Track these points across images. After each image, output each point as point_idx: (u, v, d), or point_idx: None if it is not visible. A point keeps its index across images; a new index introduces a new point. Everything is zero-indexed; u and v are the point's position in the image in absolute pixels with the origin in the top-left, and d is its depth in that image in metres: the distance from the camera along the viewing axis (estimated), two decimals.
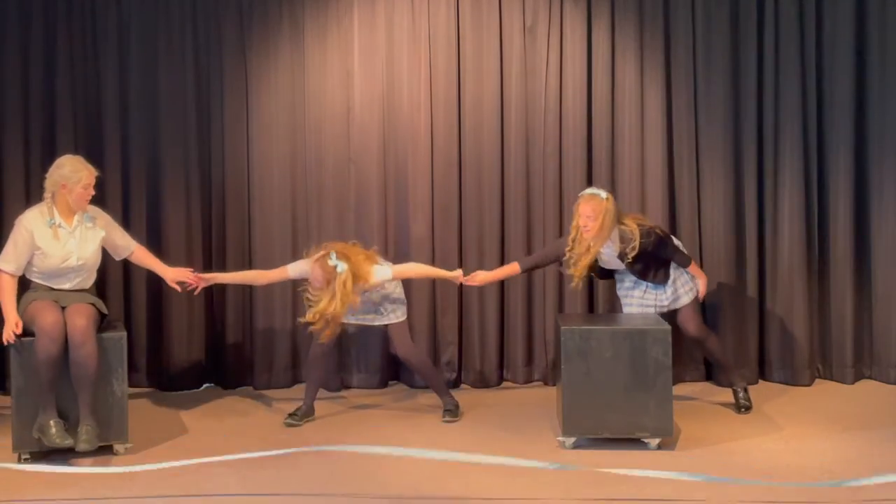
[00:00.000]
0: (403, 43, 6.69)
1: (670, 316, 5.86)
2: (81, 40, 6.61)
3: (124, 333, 5.42)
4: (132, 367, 5.47)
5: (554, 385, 6.30)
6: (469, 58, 6.71)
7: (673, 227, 6.73)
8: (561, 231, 6.75)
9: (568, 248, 5.86)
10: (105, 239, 5.55)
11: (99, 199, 6.59)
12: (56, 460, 5.20)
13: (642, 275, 5.90)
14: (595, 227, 5.72)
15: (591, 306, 6.79)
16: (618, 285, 6.09)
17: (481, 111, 6.72)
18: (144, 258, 5.80)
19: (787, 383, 6.58)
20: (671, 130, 6.73)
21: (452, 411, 5.97)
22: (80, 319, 5.21)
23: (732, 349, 6.62)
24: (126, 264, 6.59)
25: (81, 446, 5.12)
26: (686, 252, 6.07)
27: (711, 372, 6.75)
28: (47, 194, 5.39)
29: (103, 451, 5.29)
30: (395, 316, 5.98)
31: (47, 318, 5.16)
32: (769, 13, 6.64)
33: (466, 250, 6.78)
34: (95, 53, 6.63)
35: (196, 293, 6.01)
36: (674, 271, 5.94)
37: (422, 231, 6.72)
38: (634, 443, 5.36)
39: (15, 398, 5.20)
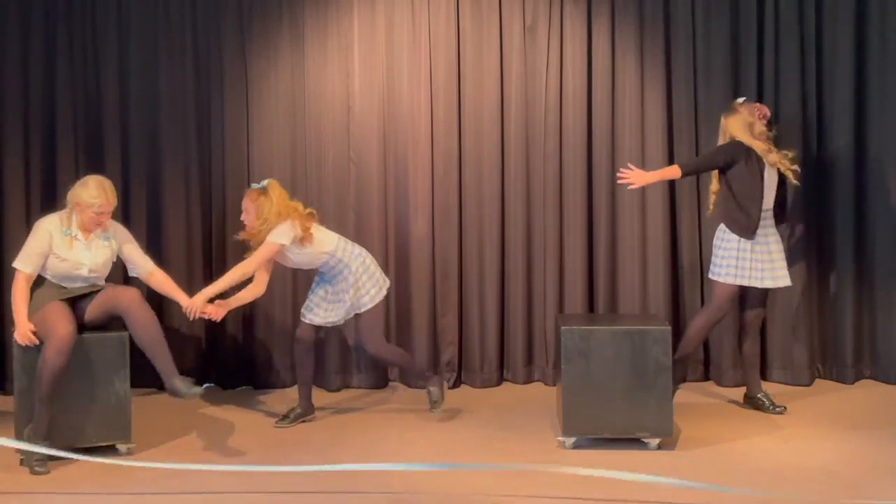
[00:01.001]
0: (403, 43, 6.69)
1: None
2: (81, 40, 6.62)
3: (126, 333, 5.41)
4: (133, 366, 5.48)
5: (554, 385, 6.31)
6: (469, 58, 6.71)
7: (673, 228, 6.74)
8: (561, 231, 6.76)
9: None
10: (122, 253, 5.54)
11: None
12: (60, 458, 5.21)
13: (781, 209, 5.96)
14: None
15: (591, 306, 6.79)
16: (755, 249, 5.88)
17: (481, 111, 6.73)
18: (164, 284, 5.61)
19: (787, 383, 6.58)
20: (671, 130, 6.73)
21: (438, 402, 5.91)
22: (121, 291, 5.33)
23: (731, 350, 6.63)
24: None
25: (193, 390, 5.20)
26: None
27: (710, 372, 6.77)
28: (68, 205, 5.39)
29: (105, 450, 5.29)
30: (367, 300, 5.77)
31: (59, 328, 5.10)
32: (769, 13, 6.65)
33: (466, 250, 6.79)
34: (95, 53, 6.63)
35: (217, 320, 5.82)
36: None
37: (422, 231, 6.73)
38: (634, 443, 5.36)
39: (18, 399, 5.20)
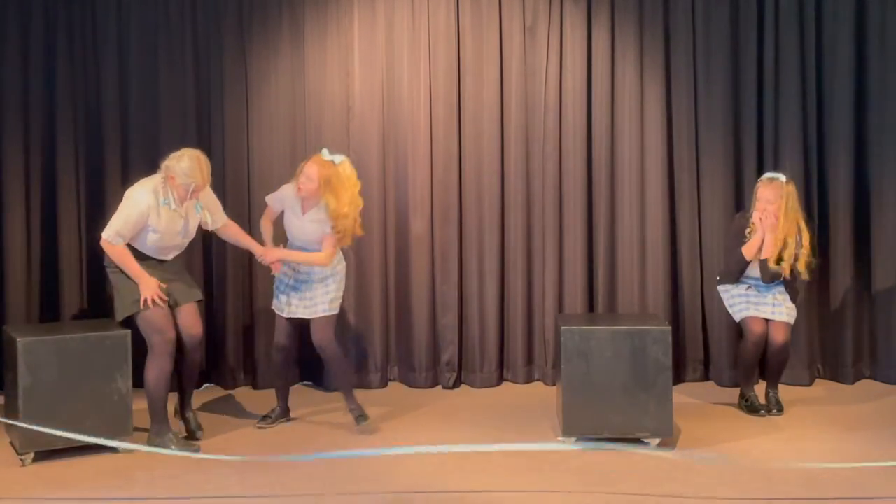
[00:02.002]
0: (403, 43, 6.69)
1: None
2: (81, 40, 6.62)
3: (128, 332, 5.42)
4: (133, 366, 5.48)
5: (554, 385, 6.30)
6: (469, 58, 6.71)
7: (672, 228, 6.74)
8: (561, 231, 6.75)
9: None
10: (208, 220, 5.65)
11: (99, 199, 6.64)
12: (64, 456, 5.22)
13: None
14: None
15: (591, 306, 6.79)
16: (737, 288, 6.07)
17: (481, 111, 6.72)
18: (237, 234, 5.84)
19: (787, 383, 6.58)
20: (671, 130, 6.73)
21: (363, 415, 5.79)
22: (195, 328, 5.51)
23: (731, 350, 6.63)
24: None
25: (199, 434, 5.56)
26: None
27: (710, 372, 6.77)
28: (162, 174, 5.43)
29: (106, 449, 5.29)
30: (321, 309, 5.70)
31: (164, 332, 5.36)
32: (769, 13, 6.64)
33: (466, 249, 6.78)
34: (95, 53, 6.63)
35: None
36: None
37: (421, 229, 6.73)
38: (634, 443, 5.36)
39: (23, 398, 5.19)
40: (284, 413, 5.95)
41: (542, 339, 6.81)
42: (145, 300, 5.34)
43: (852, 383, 6.70)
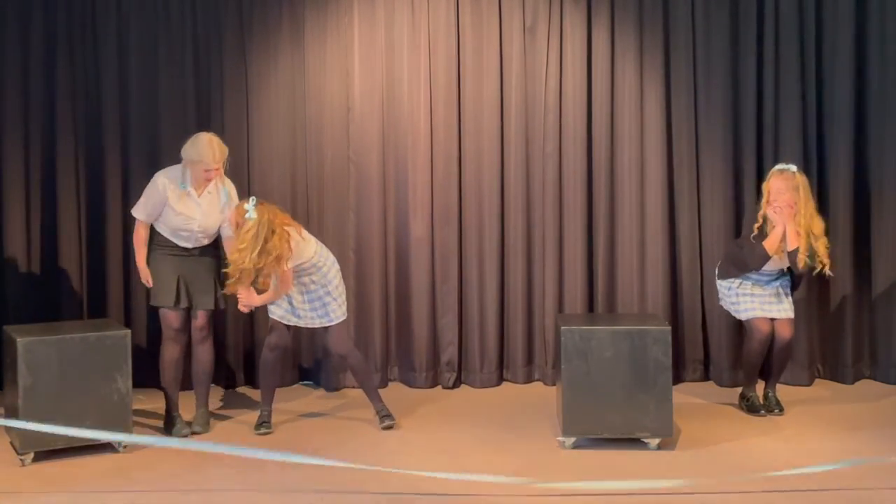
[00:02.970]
0: (403, 43, 6.69)
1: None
2: (81, 40, 6.62)
3: (128, 331, 5.44)
4: (133, 366, 5.49)
5: (554, 385, 6.30)
6: (469, 58, 6.71)
7: (672, 227, 6.74)
8: (561, 231, 6.75)
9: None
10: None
11: (99, 199, 6.65)
12: (64, 456, 5.23)
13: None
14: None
15: (591, 306, 6.79)
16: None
17: (481, 111, 6.73)
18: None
19: (787, 383, 6.58)
20: (671, 130, 6.73)
21: (390, 416, 5.80)
22: (200, 322, 5.76)
23: (731, 350, 6.63)
24: (127, 265, 6.62)
25: (197, 429, 5.72)
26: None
27: (710, 372, 6.77)
28: (182, 161, 5.63)
29: (105, 448, 5.30)
30: (336, 316, 5.72)
31: (173, 328, 5.73)
32: (769, 14, 6.64)
33: (466, 250, 6.78)
34: (95, 53, 6.63)
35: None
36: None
37: (421, 231, 6.73)
38: (634, 443, 5.36)
39: (23, 398, 5.19)
40: (271, 414, 5.87)
41: (542, 339, 6.81)
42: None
43: (852, 383, 6.70)
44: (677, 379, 6.38)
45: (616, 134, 6.75)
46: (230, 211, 5.62)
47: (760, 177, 6.68)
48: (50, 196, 6.61)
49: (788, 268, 5.98)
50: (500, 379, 6.85)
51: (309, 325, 5.75)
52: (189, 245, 5.71)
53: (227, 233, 5.73)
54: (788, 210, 5.82)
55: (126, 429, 5.36)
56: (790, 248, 5.82)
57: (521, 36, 6.73)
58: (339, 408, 6.28)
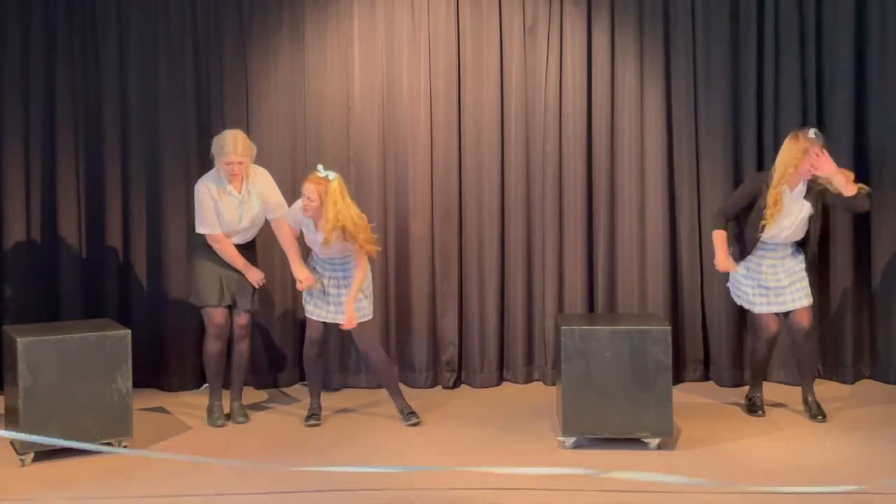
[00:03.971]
0: (403, 43, 6.69)
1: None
2: (81, 40, 6.62)
3: (128, 331, 5.44)
4: (133, 366, 5.50)
5: (554, 385, 6.30)
6: (469, 58, 6.71)
7: (672, 227, 6.74)
8: (561, 231, 6.76)
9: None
10: (260, 197, 5.86)
11: (99, 199, 6.65)
12: (64, 456, 5.23)
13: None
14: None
15: (591, 306, 6.79)
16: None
17: (481, 111, 6.73)
18: (283, 236, 5.95)
19: (787, 383, 6.58)
20: (671, 130, 6.73)
21: (414, 413, 5.90)
22: (244, 319, 5.93)
23: (731, 350, 6.63)
24: (127, 265, 6.63)
25: (240, 420, 5.94)
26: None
27: (710, 372, 6.77)
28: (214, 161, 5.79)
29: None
30: (362, 315, 5.84)
31: (215, 325, 5.89)
32: (769, 14, 6.64)
33: (466, 250, 6.79)
34: (95, 53, 6.63)
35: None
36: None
37: (421, 230, 6.73)
38: (634, 443, 5.36)
39: (23, 398, 5.19)
40: (320, 407, 6.01)
41: (542, 339, 6.81)
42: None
43: (852, 383, 6.70)
44: (677, 379, 6.38)
45: (616, 134, 6.75)
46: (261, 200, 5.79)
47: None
48: (50, 196, 6.61)
49: (800, 242, 5.85)
50: (500, 379, 6.85)
51: (338, 320, 5.82)
52: (237, 241, 5.86)
53: (274, 214, 5.88)
54: (829, 164, 5.69)
55: (126, 430, 5.38)
56: (849, 193, 5.68)
57: (521, 36, 6.73)
58: (339, 408, 6.28)
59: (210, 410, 5.99)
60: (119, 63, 6.63)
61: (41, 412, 5.19)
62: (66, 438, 5.14)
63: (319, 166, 5.75)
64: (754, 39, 6.65)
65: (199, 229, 5.80)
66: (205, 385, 6.68)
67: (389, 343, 6.81)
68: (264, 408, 6.32)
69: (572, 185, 6.73)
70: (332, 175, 5.68)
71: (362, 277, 5.80)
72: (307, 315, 5.92)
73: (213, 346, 5.93)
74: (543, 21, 6.71)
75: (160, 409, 6.27)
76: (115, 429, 5.35)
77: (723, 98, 6.67)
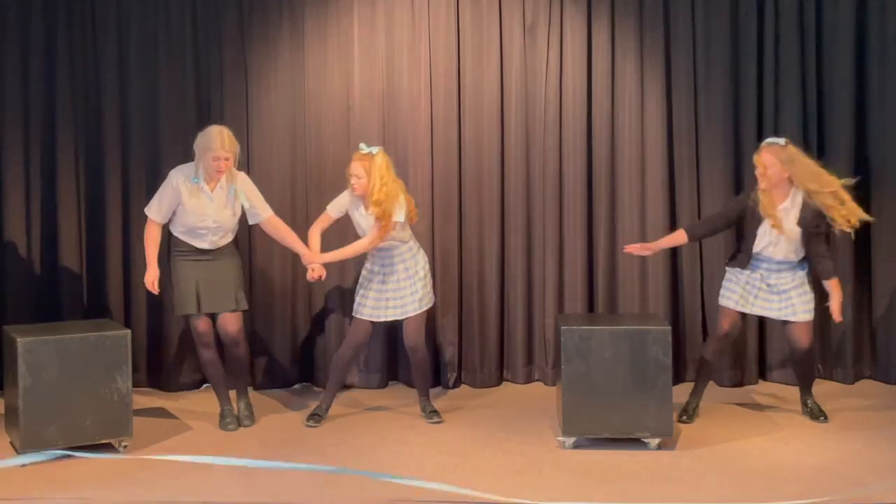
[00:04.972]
0: (403, 42, 6.69)
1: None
2: (81, 40, 6.62)
3: (128, 331, 5.44)
4: (133, 366, 5.50)
5: (554, 385, 6.30)
6: (469, 57, 6.71)
7: (672, 227, 6.72)
8: (561, 230, 6.76)
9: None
10: (244, 200, 5.78)
11: (100, 199, 6.64)
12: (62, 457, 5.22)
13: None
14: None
15: (591, 306, 6.79)
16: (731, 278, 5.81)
17: (481, 111, 6.72)
18: (281, 231, 5.92)
19: (787, 383, 6.58)
20: (671, 130, 6.73)
21: (436, 412, 5.93)
22: (228, 326, 5.76)
23: (731, 350, 6.63)
24: (127, 265, 6.62)
25: (246, 423, 5.84)
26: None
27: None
28: (195, 154, 5.66)
29: (104, 448, 5.30)
30: (418, 306, 5.82)
31: (198, 332, 5.74)
32: (769, 13, 6.64)
33: (466, 249, 6.79)
34: (95, 53, 6.63)
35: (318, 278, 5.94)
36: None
37: (421, 229, 6.72)
38: (634, 443, 5.36)
39: (23, 398, 5.19)
40: (326, 412, 5.99)
41: (542, 339, 6.81)
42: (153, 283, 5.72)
43: (852, 383, 6.70)
44: (677, 379, 6.38)
45: (616, 133, 6.75)
46: (240, 202, 5.72)
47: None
48: (50, 196, 6.61)
49: (803, 259, 5.74)
50: (500, 379, 6.85)
51: (398, 317, 5.81)
52: (206, 245, 5.73)
53: (261, 217, 5.82)
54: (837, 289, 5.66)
55: (126, 430, 5.38)
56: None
57: (521, 35, 6.73)
58: (339, 408, 6.27)
59: (220, 415, 5.87)
60: (119, 63, 6.63)
61: (41, 412, 5.19)
62: (65, 438, 5.19)
63: (362, 144, 5.79)
64: (754, 39, 6.65)
65: (147, 209, 5.74)
66: (205, 385, 6.70)
67: (389, 343, 6.80)
68: (265, 408, 6.31)
69: (572, 185, 6.73)
70: (375, 150, 5.71)
71: (360, 247, 5.76)
72: (360, 317, 5.84)
73: (202, 354, 5.82)
74: (543, 20, 6.71)
75: (160, 410, 6.27)
76: (114, 429, 5.35)
77: (723, 97, 6.66)
